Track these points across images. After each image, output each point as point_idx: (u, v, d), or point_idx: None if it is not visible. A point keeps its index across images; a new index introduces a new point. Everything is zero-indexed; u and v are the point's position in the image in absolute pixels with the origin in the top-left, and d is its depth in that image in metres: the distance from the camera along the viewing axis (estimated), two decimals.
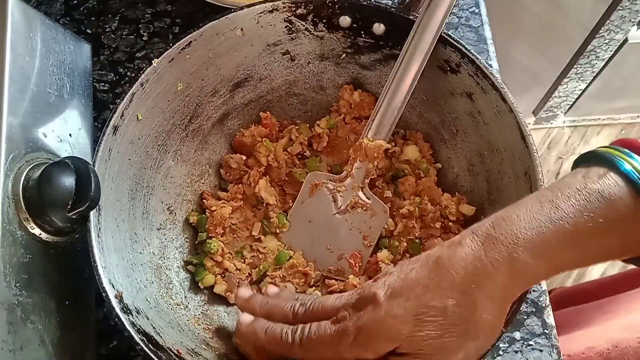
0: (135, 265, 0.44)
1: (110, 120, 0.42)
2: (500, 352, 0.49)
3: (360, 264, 0.49)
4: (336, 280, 0.49)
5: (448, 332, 0.31)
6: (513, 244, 0.31)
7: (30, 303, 0.38)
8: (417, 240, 0.48)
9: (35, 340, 0.38)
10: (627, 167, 0.32)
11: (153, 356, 0.37)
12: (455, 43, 0.44)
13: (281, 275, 0.49)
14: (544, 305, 0.50)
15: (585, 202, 0.31)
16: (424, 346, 0.31)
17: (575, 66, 1.11)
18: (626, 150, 0.33)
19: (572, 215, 0.31)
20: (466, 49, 0.44)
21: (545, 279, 0.34)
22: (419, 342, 0.31)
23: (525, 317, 0.49)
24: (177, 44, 0.43)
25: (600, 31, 1.01)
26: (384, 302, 0.32)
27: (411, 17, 0.45)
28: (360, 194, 0.49)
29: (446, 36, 0.44)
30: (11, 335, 0.36)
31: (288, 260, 0.49)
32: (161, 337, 0.40)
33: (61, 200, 0.38)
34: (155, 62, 0.43)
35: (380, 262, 0.47)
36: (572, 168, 0.36)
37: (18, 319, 0.37)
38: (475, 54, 0.44)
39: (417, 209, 0.48)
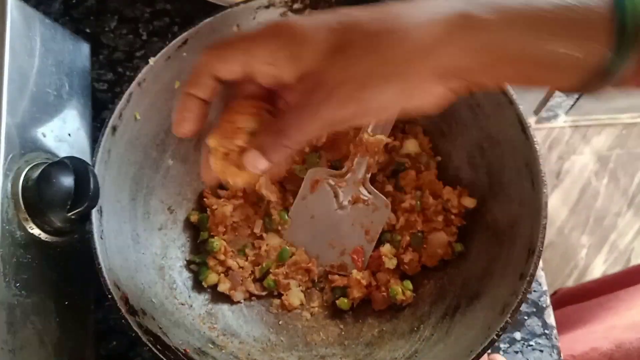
0: (139, 266, 0.44)
1: (108, 121, 0.41)
2: (501, 353, 0.48)
3: (363, 258, 0.48)
4: (339, 275, 0.49)
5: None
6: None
7: (30, 303, 0.38)
8: (419, 234, 0.48)
9: (35, 341, 0.38)
10: None
11: (161, 356, 0.37)
12: None
13: (284, 272, 0.48)
14: (544, 305, 0.50)
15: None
16: None
17: None
18: None
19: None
20: None
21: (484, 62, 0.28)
22: None
23: (526, 318, 0.49)
24: (173, 42, 0.43)
25: None
26: None
27: None
28: (362, 189, 0.48)
29: None
30: (11, 335, 0.36)
31: (290, 257, 0.49)
32: (168, 337, 0.40)
33: (60, 200, 0.38)
34: (151, 60, 0.43)
35: (383, 257, 0.47)
36: None
37: (18, 319, 0.37)
38: None
39: (418, 202, 0.48)
